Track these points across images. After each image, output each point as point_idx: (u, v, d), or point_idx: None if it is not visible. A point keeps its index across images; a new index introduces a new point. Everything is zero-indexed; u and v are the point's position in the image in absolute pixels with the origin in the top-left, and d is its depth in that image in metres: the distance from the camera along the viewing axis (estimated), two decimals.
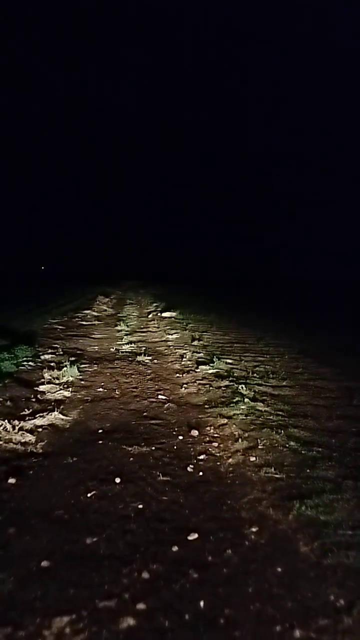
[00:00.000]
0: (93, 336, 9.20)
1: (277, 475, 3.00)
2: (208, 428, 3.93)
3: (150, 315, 13.38)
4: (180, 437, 3.72)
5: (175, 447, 3.52)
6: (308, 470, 3.07)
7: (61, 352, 7.16)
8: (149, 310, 14.83)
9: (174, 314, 13.08)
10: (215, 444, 3.58)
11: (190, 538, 2.36)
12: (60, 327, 10.22)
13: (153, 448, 3.48)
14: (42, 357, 6.71)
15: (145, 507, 2.64)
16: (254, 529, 2.45)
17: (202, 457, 3.35)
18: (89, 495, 2.76)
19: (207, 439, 3.71)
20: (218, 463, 3.26)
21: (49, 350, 7.23)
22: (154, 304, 16.72)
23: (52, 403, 4.53)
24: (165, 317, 12.66)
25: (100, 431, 3.86)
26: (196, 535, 2.38)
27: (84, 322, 11.26)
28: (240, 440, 3.59)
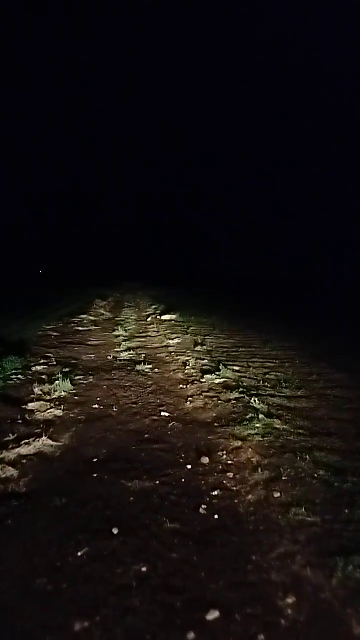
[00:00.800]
0: (89, 343, 8.66)
1: (309, 519, 2.46)
2: (220, 453, 3.39)
3: (149, 319, 12.84)
4: (189, 467, 3.18)
5: (183, 480, 2.98)
6: (347, 511, 2.53)
7: (54, 363, 6.63)
8: (147, 313, 14.30)
9: (174, 316, 12.55)
10: (231, 475, 3.04)
11: (209, 618, 1.83)
12: (54, 333, 9.68)
13: (157, 482, 2.94)
14: (33, 368, 6.17)
15: (150, 570, 2.10)
16: (290, 600, 1.91)
17: (216, 492, 2.82)
18: (79, 554, 2.22)
19: (220, 467, 3.17)
20: (236, 501, 2.72)
21: (41, 361, 6.69)
22: (153, 307, 16.19)
23: (41, 425, 3.99)
24: (165, 321, 12.12)
25: (95, 460, 3.31)
26: (217, 614, 1.84)
27: (80, 328, 10.71)
28: (259, 469, 3.05)
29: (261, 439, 3.55)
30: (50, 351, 7.54)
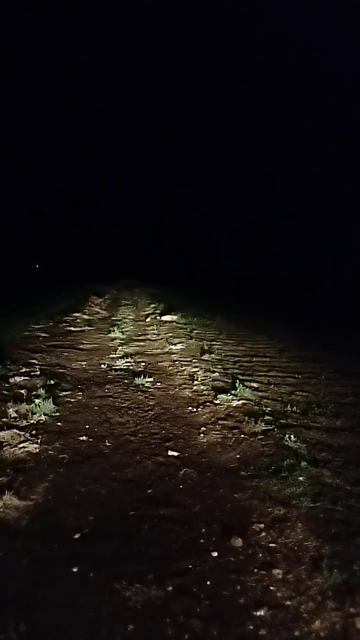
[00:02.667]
0: (81, 346, 7.63)
1: None
2: (256, 527, 2.38)
3: (148, 319, 11.81)
4: (214, 554, 2.17)
5: (209, 583, 1.97)
6: None
7: (38, 372, 5.59)
8: (146, 313, 13.26)
9: (174, 317, 11.52)
10: (279, 574, 2.03)
11: None
12: (43, 334, 8.63)
13: (170, 588, 1.92)
14: (11, 380, 5.13)
15: None
16: None
17: (261, 612, 1.80)
18: None
19: (261, 556, 2.15)
20: (296, 633, 1.71)
21: (23, 369, 5.66)
22: (152, 305, 15.15)
23: (8, 469, 2.97)
24: (166, 322, 11.09)
25: (77, 536, 2.29)
26: None
27: (72, 328, 9.66)
28: (322, 565, 2.04)
29: (312, 504, 2.54)
30: (35, 357, 6.51)
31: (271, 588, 1.94)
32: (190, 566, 2.06)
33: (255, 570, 2.05)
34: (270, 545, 2.23)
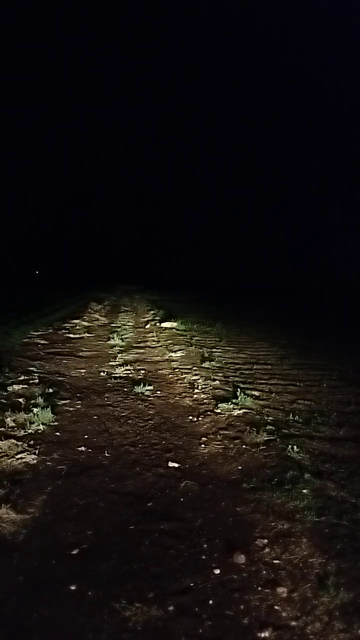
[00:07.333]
0: (81, 354, 7.57)
1: None
2: (259, 543, 2.31)
3: (147, 326, 11.76)
4: (217, 571, 2.10)
5: (211, 602, 1.90)
6: None
7: (36, 380, 5.53)
8: (146, 319, 13.21)
9: (174, 324, 11.47)
10: (283, 592, 1.96)
11: None
12: (42, 341, 8.58)
13: (171, 608, 1.86)
14: (9, 388, 5.07)
15: None
16: None
17: (265, 634, 1.74)
18: None
19: (264, 573, 2.09)
20: None
21: (22, 377, 5.60)
22: (151, 312, 15.10)
23: (5, 481, 2.90)
24: (165, 328, 11.05)
25: (75, 552, 2.23)
26: None
27: (71, 335, 9.61)
28: (328, 583, 1.97)
29: (316, 518, 2.47)
30: (34, 364, 6.45)
31: (276, 607, 1.87)
32: (191, 584, 2.00)
33: (259, 588, 1.98)
34: (275, 561, 2.16)
